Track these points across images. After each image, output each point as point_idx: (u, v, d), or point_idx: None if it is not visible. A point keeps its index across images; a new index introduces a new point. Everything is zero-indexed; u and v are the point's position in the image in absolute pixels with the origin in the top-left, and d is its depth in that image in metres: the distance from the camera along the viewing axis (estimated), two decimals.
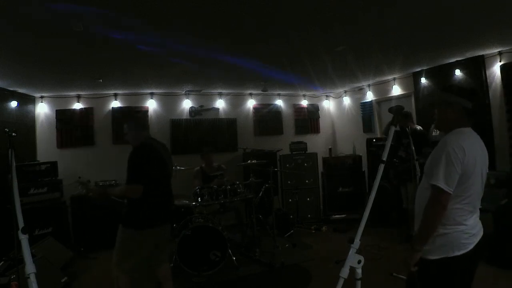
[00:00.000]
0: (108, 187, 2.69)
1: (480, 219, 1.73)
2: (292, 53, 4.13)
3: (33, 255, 1.68)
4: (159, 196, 2.71)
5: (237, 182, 4.45)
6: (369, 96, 6.56)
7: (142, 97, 6.19)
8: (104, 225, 4.67)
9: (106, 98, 5.98)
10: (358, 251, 1.47)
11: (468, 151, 1.62)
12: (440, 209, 1.59)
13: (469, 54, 4.50)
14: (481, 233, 1.71)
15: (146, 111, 6.16)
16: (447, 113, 1.76)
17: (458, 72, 4.74)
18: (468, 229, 1.64)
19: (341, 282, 1.43)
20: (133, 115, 2.61)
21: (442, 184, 1.57)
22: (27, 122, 5.39)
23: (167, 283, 2.87)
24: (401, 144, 4.56)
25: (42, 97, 5.66)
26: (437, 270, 1.64)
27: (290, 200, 6.16)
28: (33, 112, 5.61)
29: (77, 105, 5.81)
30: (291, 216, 5.69)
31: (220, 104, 6.70)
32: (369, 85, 6.51)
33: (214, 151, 5.34)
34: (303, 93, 7.37)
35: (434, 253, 1.64)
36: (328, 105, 7.82)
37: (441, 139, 1.76)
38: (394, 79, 5.90)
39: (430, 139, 4.51)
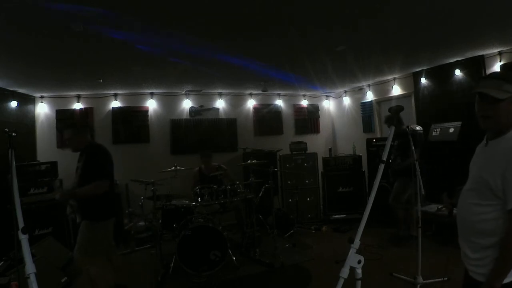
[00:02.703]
0: (74, 189, 2.94)
1: None
2: (292, 53, 4.13)
3: (33, 255, 1.67)
4: (112, 191, 3.06)
5: (237, 182, 4.45)
6: (369, 96, 6.56)
7: (142, 97, 6.19)
8: None
9: (106, 98, 5.98)
10: (358, 251, 1.46)
11: None
12: None
13: (469, 54, 4.51)
14: None
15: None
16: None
17: (458, 72, 4.74)
18: None
19: (341, 282, 1.42)
20: (75, 120, 3.18)
21: None
22: (27, 122, 5.39)
23: (118, 269, 3.25)
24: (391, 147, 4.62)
25: (42, 97, 5.66)
26: None
27: (290, 200, 6.16)
28: (33, 112, 5.61)
29: (77, 105, 5.81)
30: (291, 216, 5.68)
31: (220, 104, 6.70)
32: (369, 85, 6.51)
33: (211, 156, 5.29)
34: (303, 93, 7.37)
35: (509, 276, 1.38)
36: (328, 105, 7.82)
37: (505, 143, 1.42)
38: (394, 79, 5.90)
39: (420, 139, 4.55)
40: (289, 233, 5.36)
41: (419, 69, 5.34)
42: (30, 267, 1.45)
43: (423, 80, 5.31)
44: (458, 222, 1.59)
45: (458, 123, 4.58)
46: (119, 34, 3.08)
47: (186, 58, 4.09)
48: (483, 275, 1.44)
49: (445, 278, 3.18)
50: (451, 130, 4.66)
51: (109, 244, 3.06)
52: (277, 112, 7.19)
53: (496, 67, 4.35)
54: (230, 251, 3.94)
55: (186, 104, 6.45)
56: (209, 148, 5.42)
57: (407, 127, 4.20)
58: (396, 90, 5.92)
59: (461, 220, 1.57)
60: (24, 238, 1.52)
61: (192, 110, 6.50)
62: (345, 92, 7.22)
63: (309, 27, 3.23)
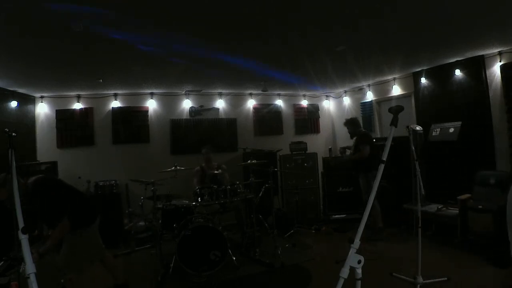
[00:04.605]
0: (44, 244, 2.76)
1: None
2: (292, 53, 4.13)
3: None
4: (84, 196, 3.11)
5: (237, 182, 4.45)
6: (369, 96, 6.56)
7: (142, 97, 6.19)
8: (103, 225, 4.65)
9: (106, 98, 5.98)
10: (358, 251, 1.46)
11: None
12: None
13: (469, 54, 4.51)
14: None
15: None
16: None
17: (458, 72, 4.74)
18: None
19: (341, 282, 1.43)
20: None
21: None
22: (27, 122, 5.39)
23: (114, 269, 3.25)
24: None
25: (42, 97, 5.66)
26: None
27: (290, 200, 6.16)
28: (33, 112, 5.61)
29: (77, 105, 5.81)
30: (291, 216, 5.68)
31: (220, 104, 6.70)
32: (369, 85, 6.51)
33: (213, 151, 5.36)
34: (303, 93, 7.37)
35: None
36: (328, 105, 7.82)
37: None
38: (394, 79, 5.90)
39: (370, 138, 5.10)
40: (289, 233, 5.36)
41: (419, 69, 5.34)
42: (30, 267, 1.45)
43: (423, 80, 5.31)
44: (507, 219, 1.65)
45: (458, 123, 4.58)
46: (119, 34, 3.08)
47: (186, 58, 4.09)
48: None
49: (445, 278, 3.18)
50: (451, 130, 4.66)
51: (100, 246, 3.09)
52: (277, 112, 7.19)
53: (496, 67, 4.35)
54: (230, 251, 3.94)
55: (186, 104, 6.45)
56: (209, 146, 5.45)
57: (363, 129, 5.00)
58: (396, 90, 5.92)
59: (509, 217, 1.63)
60: (24, 238, 1.52)
61: (192, 110, 6.50)
62: (345, 92, 7.22)
63: (309, 27, 3.23)
